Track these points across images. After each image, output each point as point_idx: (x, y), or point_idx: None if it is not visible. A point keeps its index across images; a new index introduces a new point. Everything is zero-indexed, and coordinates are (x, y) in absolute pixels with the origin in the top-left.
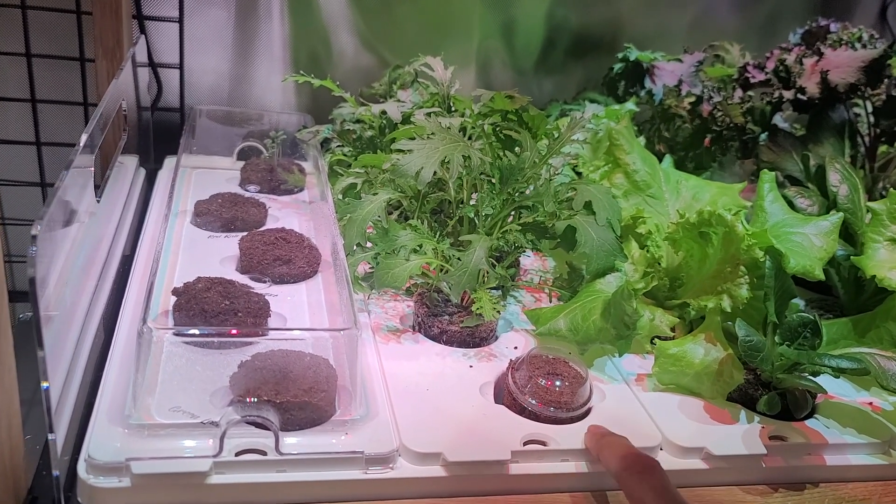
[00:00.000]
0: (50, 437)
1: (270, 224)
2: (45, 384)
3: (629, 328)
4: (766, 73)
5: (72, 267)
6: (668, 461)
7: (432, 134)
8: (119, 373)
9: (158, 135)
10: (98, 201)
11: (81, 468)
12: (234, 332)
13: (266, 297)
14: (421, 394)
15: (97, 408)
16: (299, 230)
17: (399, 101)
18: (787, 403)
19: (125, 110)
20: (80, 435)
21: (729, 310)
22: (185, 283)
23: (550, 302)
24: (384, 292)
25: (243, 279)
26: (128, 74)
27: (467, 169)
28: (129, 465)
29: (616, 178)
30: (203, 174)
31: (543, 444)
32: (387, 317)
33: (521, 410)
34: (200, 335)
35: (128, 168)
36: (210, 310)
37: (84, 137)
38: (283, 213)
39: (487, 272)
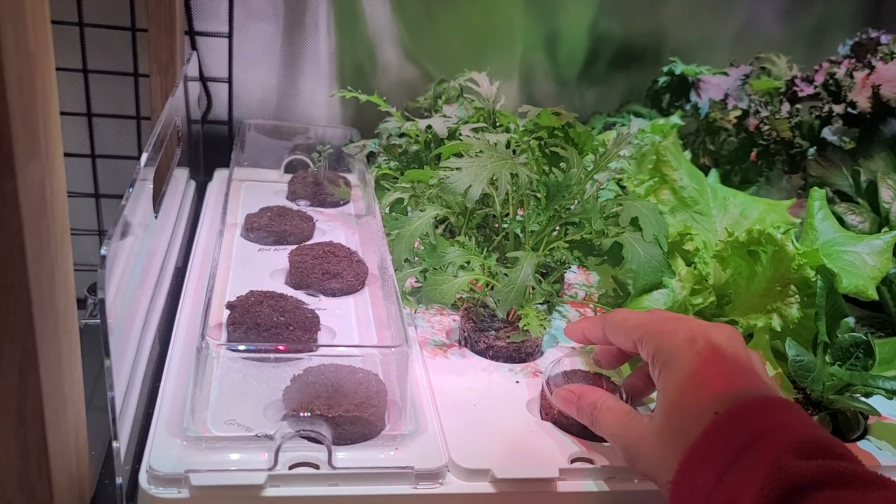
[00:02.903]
0: (115, 445)
1: (317, 237)
2: (110, 393)
3: None
4: (815, 87)
5: (129, 279)
6: None
7: (480, 151)
8: (176, 385)
9: (206, 147)
10: (156, 216)
11: (143, 478)
12: (291, 348)
13: (315, 311)
14: (469, 409)
15: (156, 419)
16: (346, 243)
17: (445, 116)
18: (839, 424)
19: (179, 125)
20: (139, 445)
21: (779, 329)
22: (237, 297)
23: None
24: (430, 306)
25: (293, 292)
26: (180, 89)
27: (515, 186)
28: (188, 477)
29: (663, 194)
30: (251, 187)
31: (591, 462)
32: (433, 331)
33: (568, 428)
34: (258, 351)
35: (179, 181)
36: (263, 323)
37: (145, 154)
38: (329, 227)
39: (534, 288)
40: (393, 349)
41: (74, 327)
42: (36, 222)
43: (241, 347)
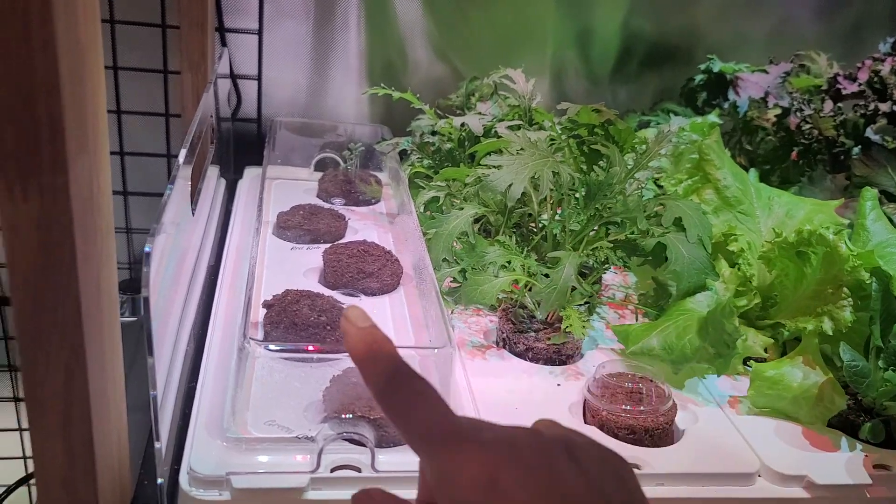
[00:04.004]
0: (156, 445)
1: (349, 236)
2: (153, 392)
3: (729, 347)
4: (860, 85)
5: (164, 277)
6: (766, 489)
7: (521, 149)
8: (214, 384)
9: (235, 145)
10: (192, 214)
11: (184, 480)
12: (336, 349)
13: None
14: (510, 412)
15: (195, 420)
16: (378, 242)
17: (480, 113)
18: (891, 431)
19: (213, 123)
20: (177, 445)
21: (830, 333)
22: (274, 296)
23: (637, 319)
24: (466, 306)
25: (327, 291)
26: (214, 86)
27: (556, 185)
28: (230, 479)
29: (705, 194)
30: (282, 185)
31: (637, 467)
32: (471, 332)
33: (614, 433)
34: (303, 351)
35: (210, 178)
36: (300, 322)
37: (184, 151)
38: (361, 225)
39: (574, 289)
40: (436, 350)
41: (117, 326)
42: (84, 218)
43: (283, 348)
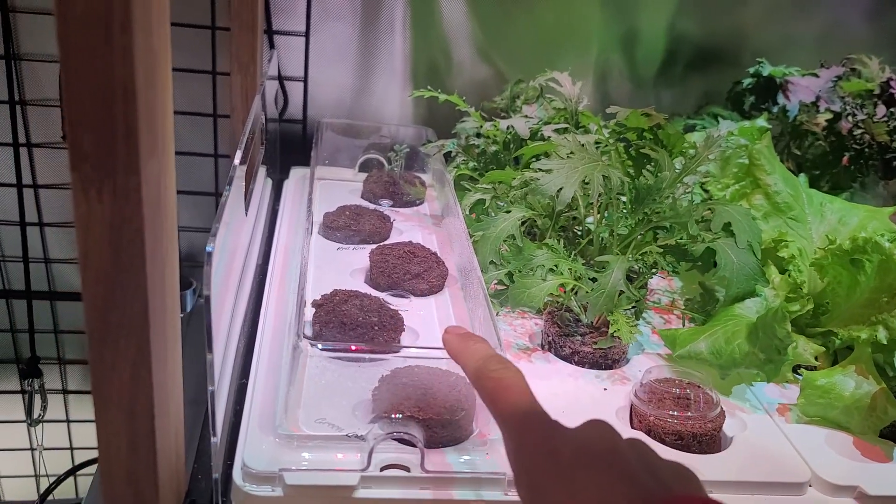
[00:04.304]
0: (213, 439)
1: (394, 237)
2: (211, 387)
3: (780, 353)
4: None
5: (219, 275)
6: (817, 499)
7: (571, 153)
8: (265, 382)
9: (281, 145)
10: (245, 213)
11: (237, 475)
12: (389, 349)
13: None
14: (557, 416)
15: (247, 416)
16: (423, 243)
17: (526, 116)
18: None
19: (265, 123)
20: (230, 441)
21: (885, 342)
22: (322, 296)
23: (683, 324)
24: (509, 309)
25: (374, 292)
26: (266, 88)
27: (606, 188)
28: (283, 476)
29: (755, 199)
30: (327, 185)
31: None
32: (516, 335)
33: (662, 438)
34: (356, 351)
35: (259, 179)
36: (349, 323)
37: (239, 152)
38: (405, 226)
39: (622, 293)
40: None
41: (178, 324)
42: (153, 219)
43: (337, 347)
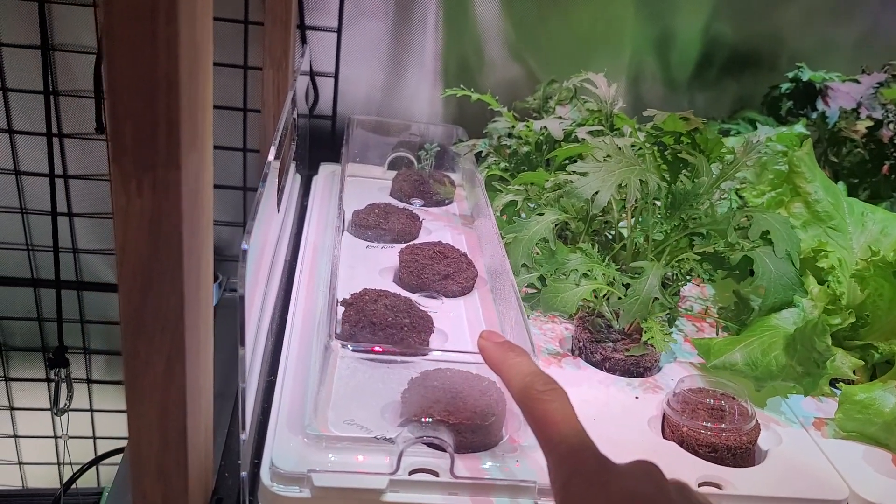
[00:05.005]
0: (241, 436)
1: (423, 236)
2: (242, 384)
3: (819, 366)
4: None
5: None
6: None
7: (608, 156)
8: (294, 381)
9: (310, 141)
10: (278, 210)
11: (265, 475)
12: (421, 351)
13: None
14: (588, 423)
15: (275, 415)
16: (452, 244)
17: (559, 117)
18: None
19: (296, 119)
20: (257, 439)
21: None
22: (352, 295)
23: (717, 333)
24: (539, 312)
25: (402, 290)
26: (298, 84)
27: (643, 193)
28: (311, 477)
29: (794, 207)
30: (355, 182)
31: (719, 486)
32: (546, 339)
33: (695, 449)
34: (389, 353)
35: (288, 175)
36: (378, 322)
37: (273, 148)
38: (434, 226)
39: (656, 300)
40: None
41: (210, 319)
42: (191, 213)
43: (367, 348)
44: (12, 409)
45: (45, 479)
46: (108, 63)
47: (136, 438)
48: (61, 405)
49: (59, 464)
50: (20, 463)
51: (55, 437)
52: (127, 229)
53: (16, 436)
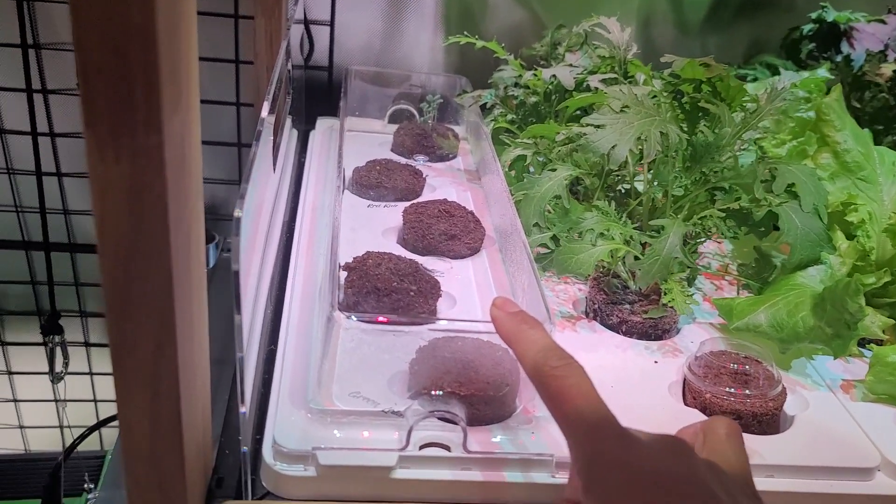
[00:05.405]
0: (241, 410)
1: (427, 193)
2: (239, 354)
3: (850, 328)
4: None
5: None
6: (887, 486)
7: (626, 107)
8: (295, 352)
9: (307, 94)
10: (273, 170)
11: (267, 453)
12: (428, 321)
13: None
14: (605, 390)
15: (277, 389)
16: (457, 201)
17: (570, 65)
18: None
19: (291, 71)
20: (259, 414)
21: None
22: (354, 258)
23: (738, 292)
24: (552, 273)
25: (405, 252)
26: (292, 33)
27: (664, 146)
28: (316, 455)
29: (822, 158)
30: (354, 137)
31: None
32: (559, 301)
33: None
34: (396, 323)
35: (284, 130)
36: (383, 288)
37: (267, 104)
38: (438, 182)
39: (676, 258)
40: None
41: (205, 295)
42: (177, 182)
43: (372, 318)
44: (10, 373)
45: (47, 442)
46: (73, 12)
47: (127, 428)
48: (57, 371)
49: (60, 427)
50: (21, 427)
51: (56, 400)
52: (105, 202)
53: (15, 399)
